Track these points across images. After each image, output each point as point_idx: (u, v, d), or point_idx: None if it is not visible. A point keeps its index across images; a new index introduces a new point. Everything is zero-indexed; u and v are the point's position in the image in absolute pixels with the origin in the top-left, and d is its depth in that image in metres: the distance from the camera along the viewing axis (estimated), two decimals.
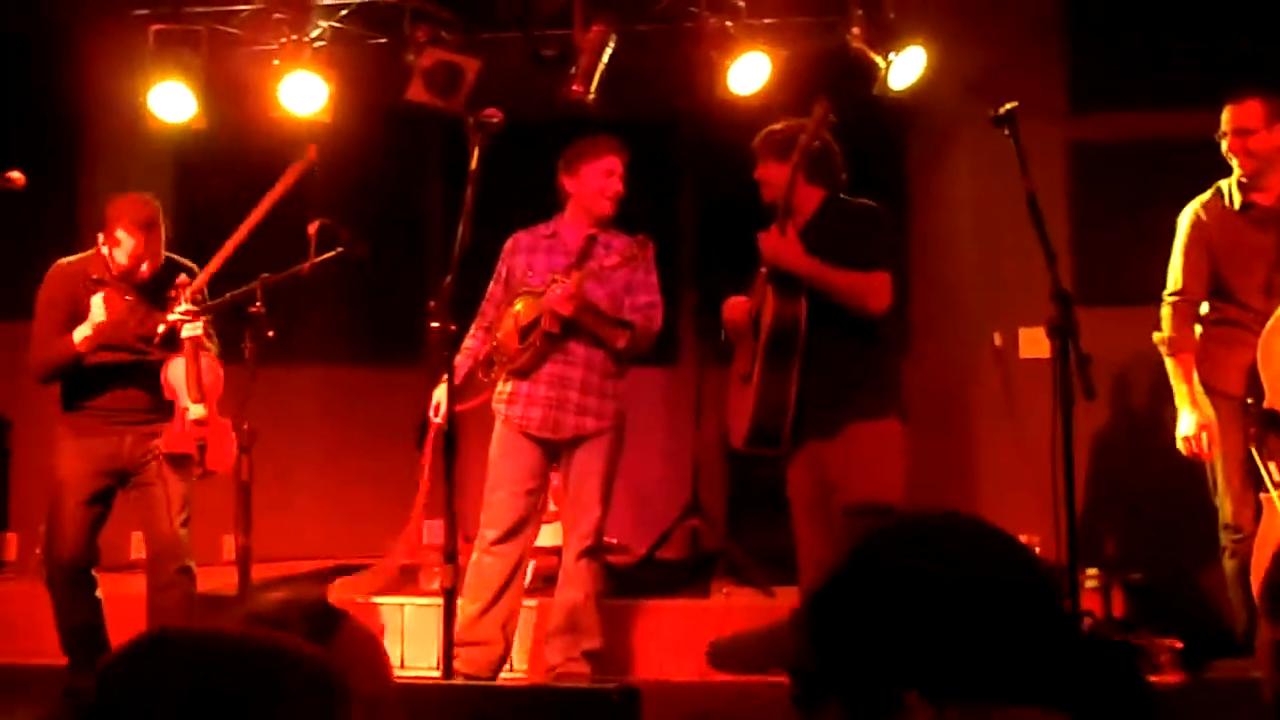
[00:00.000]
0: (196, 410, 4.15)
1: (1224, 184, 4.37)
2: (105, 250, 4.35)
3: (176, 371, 4.20)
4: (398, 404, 6.04)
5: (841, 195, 4.09)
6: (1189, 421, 4.27)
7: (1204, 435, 4.23)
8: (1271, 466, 4.08)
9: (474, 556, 4.42)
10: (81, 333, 4.22)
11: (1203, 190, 4.42)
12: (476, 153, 3.60)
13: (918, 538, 1.27)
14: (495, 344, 4.48)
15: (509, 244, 4.61)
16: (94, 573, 4.41)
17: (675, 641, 5.00)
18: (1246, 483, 4.19)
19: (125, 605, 4.52)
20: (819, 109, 3.94)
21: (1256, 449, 4.14)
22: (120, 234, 4.30)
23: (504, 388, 4.46)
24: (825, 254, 3.85)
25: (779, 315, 3.81)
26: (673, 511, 5.94)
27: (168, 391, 4.25)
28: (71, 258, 4.46)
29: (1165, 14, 5.67)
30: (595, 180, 4.49)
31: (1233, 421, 4.24)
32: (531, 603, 4.77)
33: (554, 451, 4.46)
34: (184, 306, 4.14)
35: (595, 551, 4.50)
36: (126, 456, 4.35)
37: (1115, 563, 5.47)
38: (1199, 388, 4.29)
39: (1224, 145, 4.28)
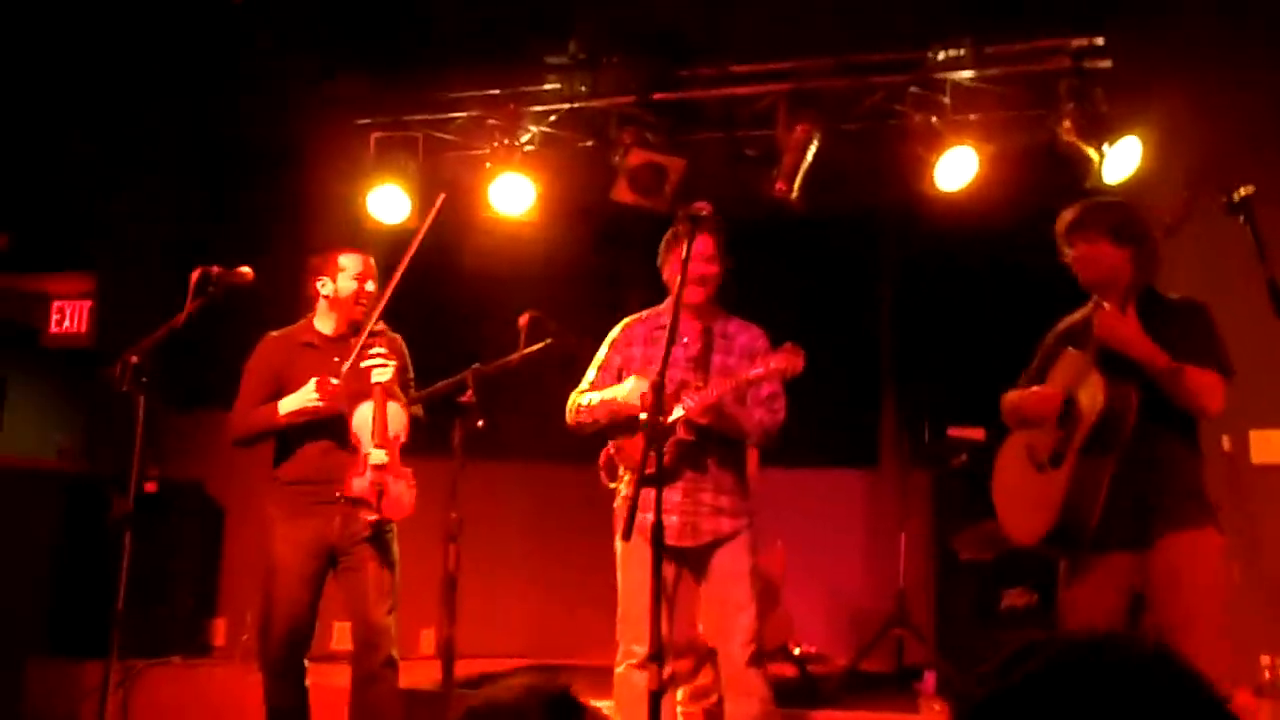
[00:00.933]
0: (378, 455, 4.14)
1: None
2: (325, 290, 4.40)
3: (363, 415, 4.21)
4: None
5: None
6: None
7: None
8: None
9: (620, 670, 4.19)
10: (287, 405, 4.25)
11: None
12: (686, 244, 3.59)
13: (1103, 673, 1.15)
14: (617, 448, 4.26)
15: (621, 334, 4.40)
16: (305, 660, 4.37)
17: None
18: None
19: (328, 695, 4.56)
20: (1190, 199, 3.64)
21: None
22: (343, 259, 4.39)
23: (624, 490, 4.24)
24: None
25: (1112, 400, 3.50)
26: (876, 621, 5.73)
27: (353, 437, 4.24)
28: (281, 331, 4.51)
29: None
30: (696, 266, 4.16)
31: None
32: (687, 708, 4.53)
33: (685, 559, 4.20)
34: (377, 350, 4.18)
35: (760, 658, 4.22)
36: (336, 535, 4.30)
37: None
38: None
39: None
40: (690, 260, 4.10)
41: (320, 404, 4.21)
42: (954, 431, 5.93)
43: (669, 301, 4.34)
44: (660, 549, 3.38)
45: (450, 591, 3.49)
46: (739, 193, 5.57)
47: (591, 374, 4.39)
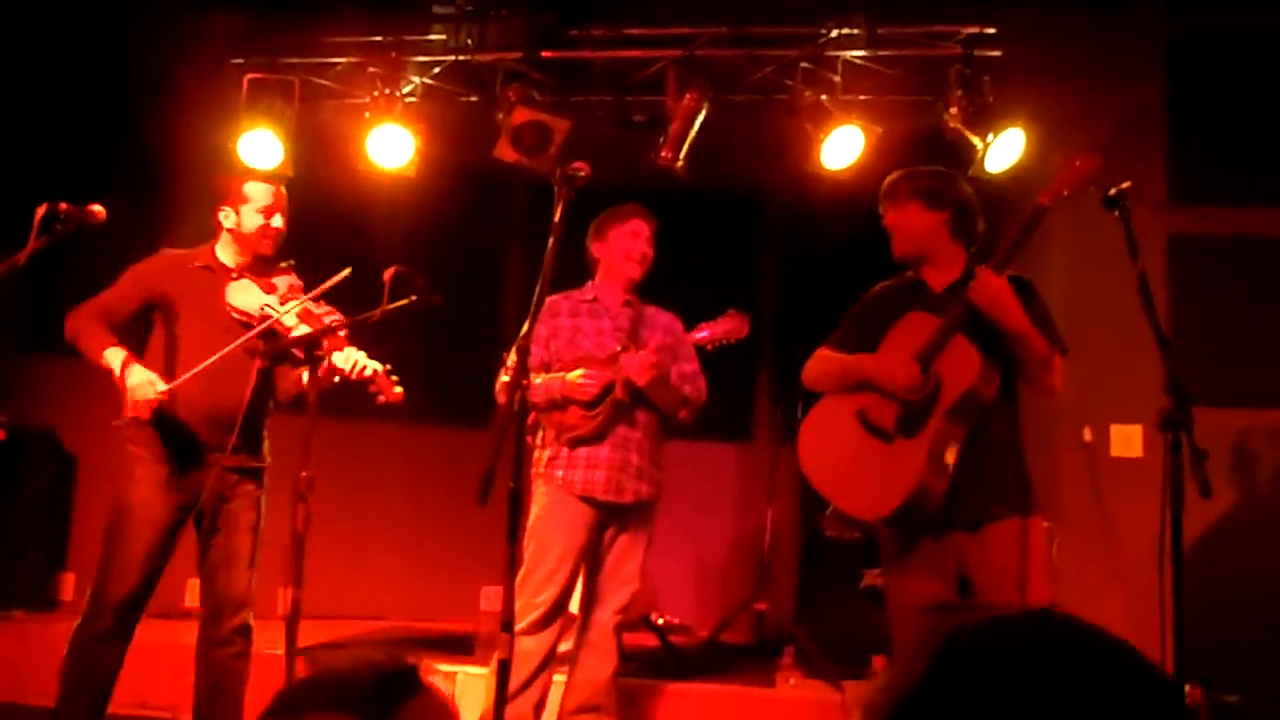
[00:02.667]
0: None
1: None
2: (228, 222, 4.04)
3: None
4: (470, 464, 5.95)
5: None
6: None
7: None
8: None
9: (519, 627, 4.19)
10: (131, 376, 3.78)
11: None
12: (561, 206, 3.51)
13: (1009, 638, 1.15)
14: (546, 416, 4.34)
15: (547, 307, 4.43)
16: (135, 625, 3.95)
17: None
18: None
19: (175, 655, 4.37)
20: (1088, 164, 3.48)
21: None
22: (249, 188, 4.04)
23: (545, 453, 4.32)
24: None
25: (984, 374, 3.39)
26: (740, 593, 5.74)
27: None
28: (180, 251, 4.11)
29: (1268, 104, 5.51)
30: (623, 244, 4.43)
31: None
32: (561, 677, 4.52)
33: (608, 518, 4.31)
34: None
35: (622, 627, 4.35)
36: (203, 489, 3.91)
37: (1210, 681, 5.17)
38: None
39: None
40: (633, 239, 4.40)
41: (137, 402, 3.78)
42: None
43: (596, 279, 4.48)
44: (517, 506, 3.31)
45: (298, 553, 3.35)
46: (624, 158, 5.49)
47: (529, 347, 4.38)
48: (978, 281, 3.45)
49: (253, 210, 4.04)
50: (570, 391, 4.23)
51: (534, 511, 4.30)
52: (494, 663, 3.00)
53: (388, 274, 3.43)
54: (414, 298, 3.55)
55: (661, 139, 5.37)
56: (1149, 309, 3.21)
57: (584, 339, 4.35)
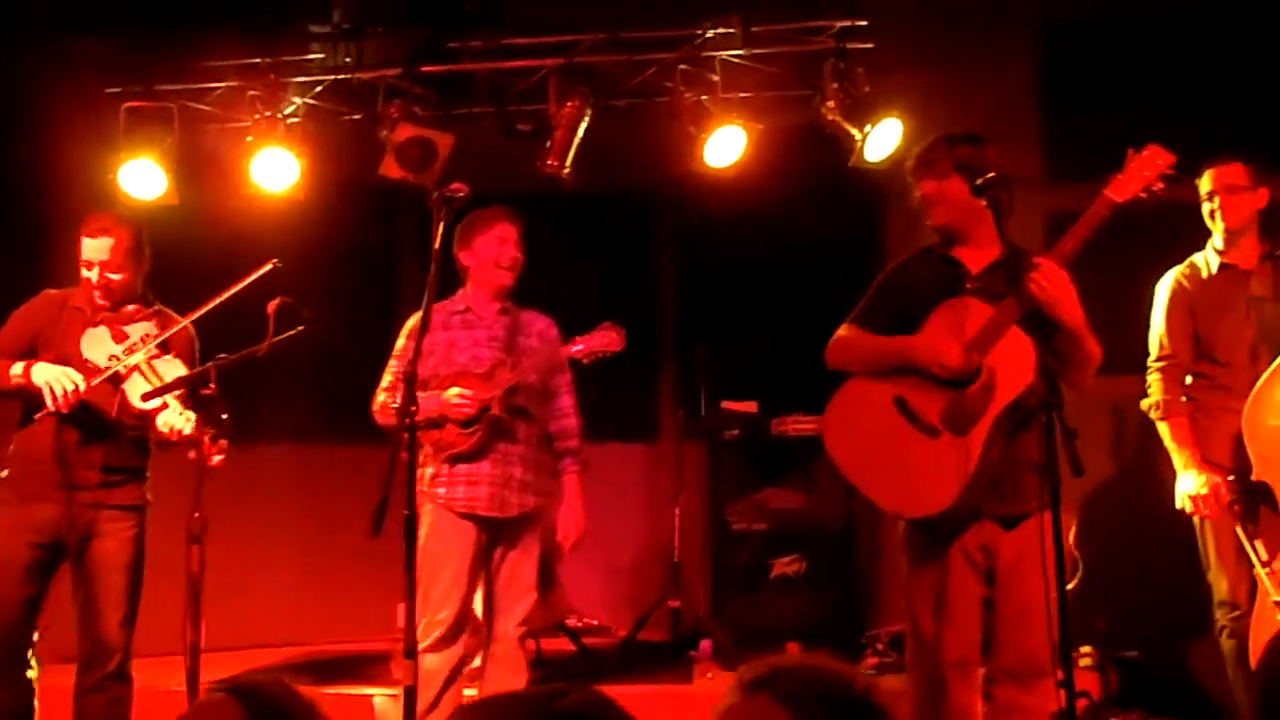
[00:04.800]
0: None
1: (1198, 256, 4.37)
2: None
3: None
4: (372, 480, 5.92)
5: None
6: (1193, 481, 4.14)
7: (1211, 495, 4.09)
8: (1258, 544, 3.99)
9: (423, 646, 4.16)
10: (37, 374, 3.80)
11: (1174, 256, 4.43)
12: (441, 227, 3.51)
13: None
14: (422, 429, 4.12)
15: (417, 322, 4.18)
16: (29, 662, 3.94)
17: None
18: (1241, 558, 4.10)
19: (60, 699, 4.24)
20: (1159, 158, 3.35)
21: (1241, 525, 4.06)
22: (84, 242, 4.00)
23: (429, 471, 4.22)
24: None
25: (1042, 373, 3.17)
26: (652, 592, 5.81)
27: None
28: (61, 290, 4.14)
29: (1136, 85, 5.69)
30: (490, 250, 4.34)
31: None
32: (471, 691, 4.55)
33: (494, 534, 4.26)
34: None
35: (528, 637, 4.41)
36: (69, 526, 3.88)
37: (1110, 641, 5.35)
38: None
39: (1207, 207, 4.28)
40: (500, 245, 4.31)
41: (57, 400, 3.80)
42: (728, 405, 6.04)
43: (465, 287, 4.41)
44: (413, 529, 3.32)
45: (195, 593, 3.34)
46: (511, 168, 5.52)
47: (393, 364, 4.35)
48: (1043, 273, 3.31)
49: (84, 262, 4.02)
50: (446, 410, 4.18)
51: (422, 530, 4.14)
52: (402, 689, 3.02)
53: (271, 306, 3.42)
54: (301, 329, 3.54)
55: (547, 147, 5.40)
56: (1016, 289, 3.30)
57: (458, 353, 4.29)
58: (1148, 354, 4.39)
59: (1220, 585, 4.20)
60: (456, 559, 4.16)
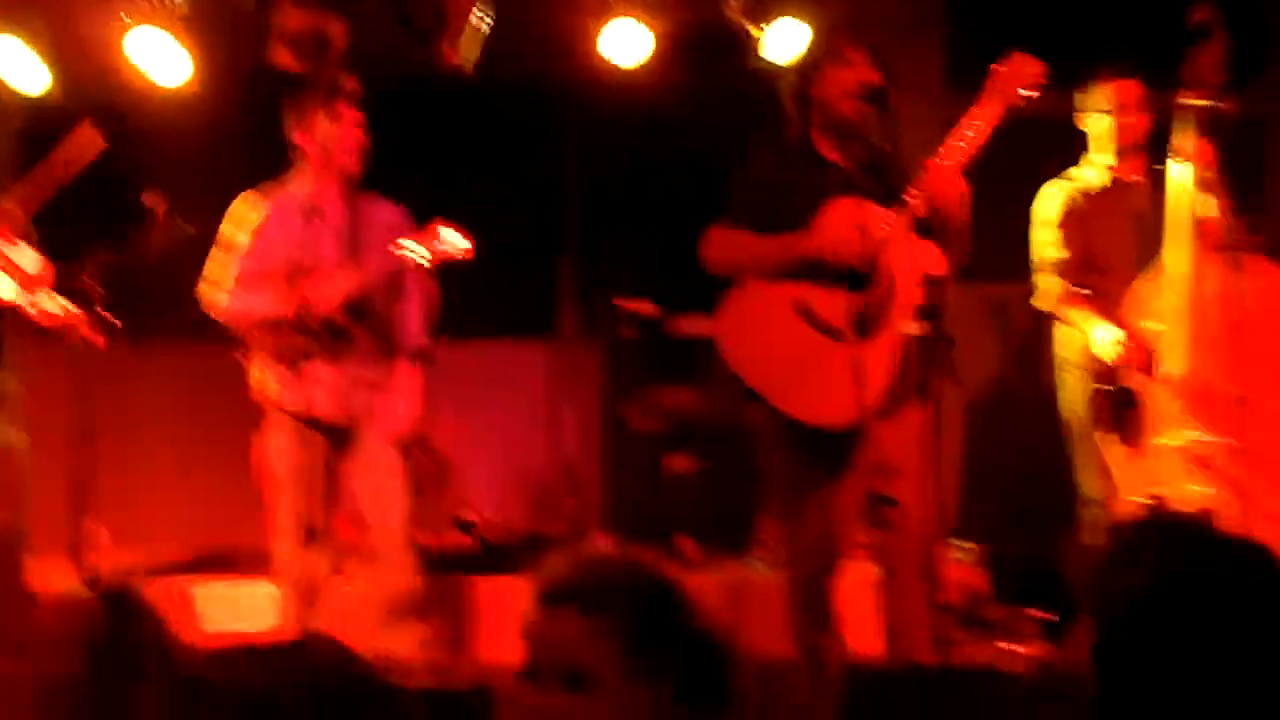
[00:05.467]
0: None
1: (1085, 170, 4.47)
2: None
3: None
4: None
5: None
6: (1110, 331, 4.14)
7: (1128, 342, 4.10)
8: (1123, 447, 4.16)
9: (280, 557, 4.15)
10: None
11: (1042, 167, 4.53)
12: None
13: (1240, 562, 1.36)
14: (258, 328, 4.10)
15: (248, 209, 4.19)
16: None
17: None
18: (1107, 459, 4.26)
19: None
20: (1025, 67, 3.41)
21: (1107, 428, 4.21)
22: None
23: (266, 373, 4.09)
24: None
25: (939, 274, 3.30)
26: (549, 487, 5.86)
27: None
28: None
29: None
30: (333, 132, 4.09)
31: None
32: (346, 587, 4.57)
33: (341, 437, 4.14)
34: None
35: (412, 538, 4.29)
36: None
37: (990, 536, 5.54)
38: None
39: (1100, 122, 4.35)
40: (345, 128, 4.06)
41: None
42: (624, 303, 6.05)
43: (304, 174, 4.16)
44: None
45: (82, 492, 3.31)
46: (409, 57, 5.39)
47: (223, 257, 4.16)
48: (940, 175, 3.36)
49: None
50: (282, 312, 4.00)
51: (265, 438, 4.14)
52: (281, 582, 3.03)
53: (148, 199, 3.34)
54: (191, 230, 3.47)
55: (445, 37, 5.28)
56: (870, 194, 3.35)
57: (296, 249, 4.02)
58: (1029, 260, 4.48)
59: (1088, 484, 4.38)
60: (297, 466, 3.98)
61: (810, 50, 5.20)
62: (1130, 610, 1.49)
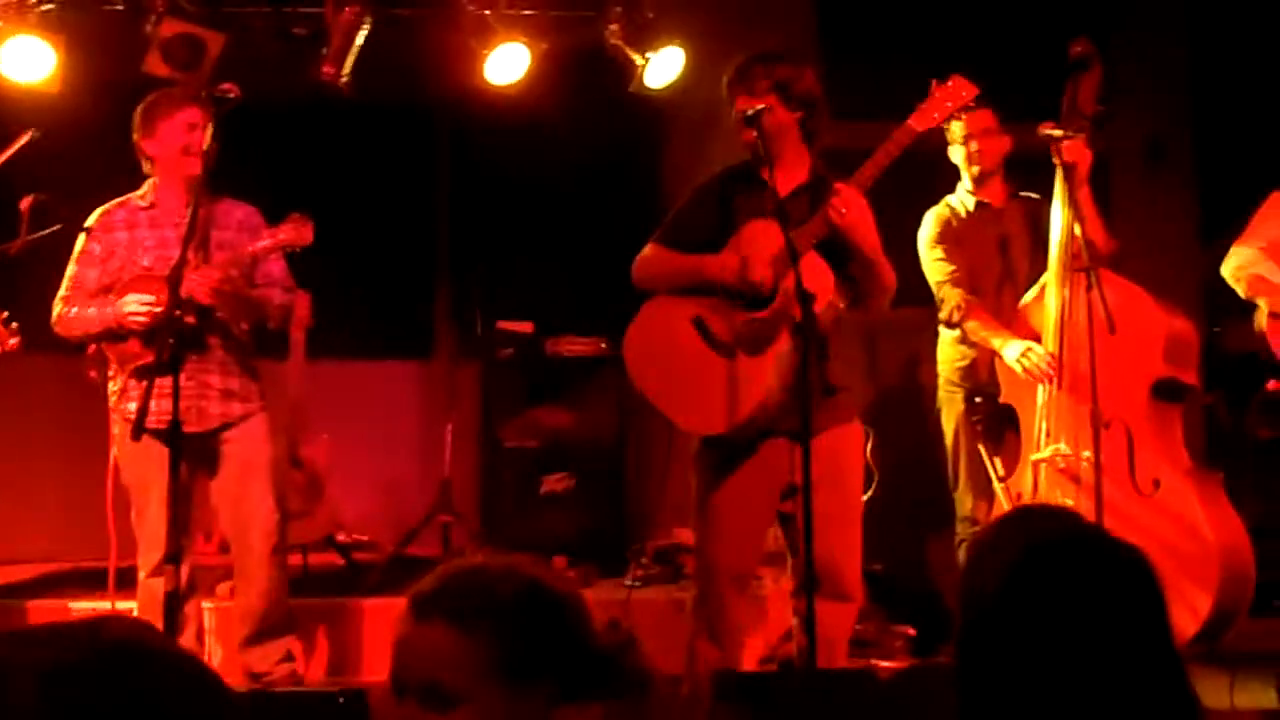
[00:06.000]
0: None
1: (952, 197, 4.66)
2: None
3: None
4: None
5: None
6: (1017, 347, 4.24)
7: (1033, 354, 4.18)
8: (997, 461, 4.31)
9: (140, 577, 4.05)
10: None
11: (930, 194, 4.71)
12: (210, 129, 3.39)
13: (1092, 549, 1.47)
14: (109, 346, 3.98)
15: (100, 220, 4.08)
16: None
17: None
18: (984, 477, 4.41)
19: None
20: (960, 91, 3.48)
21: (984, 443, 4.37)
22: None
23: (116, 386, 3.99)
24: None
25: (836, 295, 3.36)
26: (423, 508, 5.81)
27: None
28: None
29: (912, 30, 5.92)
30: (177, 138, 4.02)
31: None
32: (209, 604, 4.49)
33: (198, 449, 4.01)
34: None
35: (280, 550, 4.19)
36: None
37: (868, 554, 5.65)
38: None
39: (963, 150, 4.54)
40: (191, 130, 3.98)
41: None
42: (503, 324, 6.06)
43: (152, 181, 4.10)
44: (177, 441, 3.22)
45: None
46: (286, 72, 5.34)
47: (72, 270, 4.03)
48: (842, 199, 3.40)
49: None
50: (121, 321, 3.89)
51: (116, 451, 4.04)
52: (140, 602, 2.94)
53: (24, 203, 3.25)
54: (59, 226, 3.38)
55: (324, 53, 5.24)
56: (783, 222, 3.44)
57: (143, 254, 3.96)
58: (926, 283, 4.61)
59: (964, 502, 4.54)
60: (153, 481, 3.82)
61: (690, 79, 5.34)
62: (989, 596, 1.55)
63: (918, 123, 3.54)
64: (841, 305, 3.55)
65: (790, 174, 3.62)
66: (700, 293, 3.58)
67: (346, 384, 6.22)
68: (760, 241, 3.52)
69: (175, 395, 3.37)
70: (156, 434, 3.75)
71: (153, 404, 3.74)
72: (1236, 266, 4.25)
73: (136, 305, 3.89)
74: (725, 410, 3.46)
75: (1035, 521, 1.70)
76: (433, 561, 5.60)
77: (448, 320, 6.46)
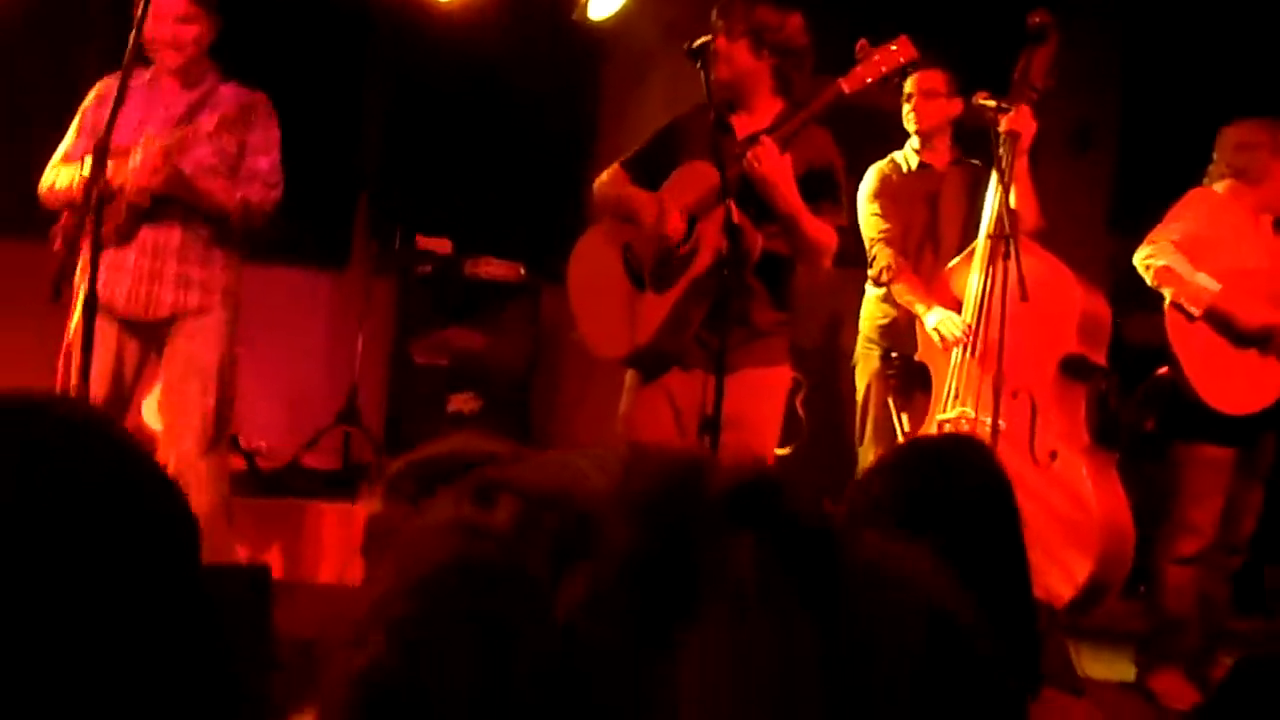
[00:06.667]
0: None
1: (898, 153, 4.69)
2: None
3: None
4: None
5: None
6: (938, 315, 4.30)
7: (951, 322, 4.26)
8: (904, 417, 4.40)
9: None
10: None
11: (874, 149, 4.74)
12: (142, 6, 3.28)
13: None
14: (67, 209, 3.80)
15: (99, 90, 3.91)
16: None
17: (317, 544, 4.90)
18: (891, 434, 4.49)
19: None
20: (900, 53, 3.44)
21: (893, 398, 4.45)
22: None
23: (78, 261, 3.69)
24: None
25: (741, 247, 3.32)
26: (328, 418, 5.77)
27: None
28: None
29: None
30: (165, 23, 3.80)
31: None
32: None
33: (144, 337, 3.85)
34: None
35: (215, 448, 3.95)
36: None
37: None
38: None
39: (907, 107, 4.56)
40: (157, 21, 3.76)
41: None
42: (422, 241, 6.00)
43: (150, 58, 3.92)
44: (91, 314, 3.15)
45: None
46: None
47: (69, 138, 3.95)
48: (756, 152, 3.40)
49: None
50: (73, 191, 3.69)
51: (71, 324, 3.81)
52: None
53: None
54: None
55: None
56: (716, 154, 3.44)
57: (128, 129, 3.72)
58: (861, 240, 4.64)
59: (867, 457, 4.60)
60: (96, 364, 3.61)
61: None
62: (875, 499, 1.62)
63: (847, 84, 3.54)
64: (743, 258, 3.50)
65: (753, 120, 3.62)
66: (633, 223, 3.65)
67: (257, 288, 6.09)
68: (690, 183, 3.53)
69: (92, 272, 3.27)
70: (107, 313, 3.64)
71: (103, 283, 3.61)
72: (1148, 255, 4.36)
73: (83, 177, 3.64)
74: (626, 338, 3.56)
75: (925, 451, 1.79)
76: (332, 473, 5.59)
77: (366, 232, 6.37)
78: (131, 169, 3.69)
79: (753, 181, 3.42)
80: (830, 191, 3.61)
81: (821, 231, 3.54)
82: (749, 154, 3.42)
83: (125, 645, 0.84)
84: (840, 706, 0.39)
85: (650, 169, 3.68)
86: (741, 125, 3.61)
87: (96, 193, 3.17)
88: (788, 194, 3.45)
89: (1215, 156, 4.44)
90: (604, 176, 3.77)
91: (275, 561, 4.79)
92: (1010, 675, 0.51)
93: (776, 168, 3.41)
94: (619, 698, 0.38)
